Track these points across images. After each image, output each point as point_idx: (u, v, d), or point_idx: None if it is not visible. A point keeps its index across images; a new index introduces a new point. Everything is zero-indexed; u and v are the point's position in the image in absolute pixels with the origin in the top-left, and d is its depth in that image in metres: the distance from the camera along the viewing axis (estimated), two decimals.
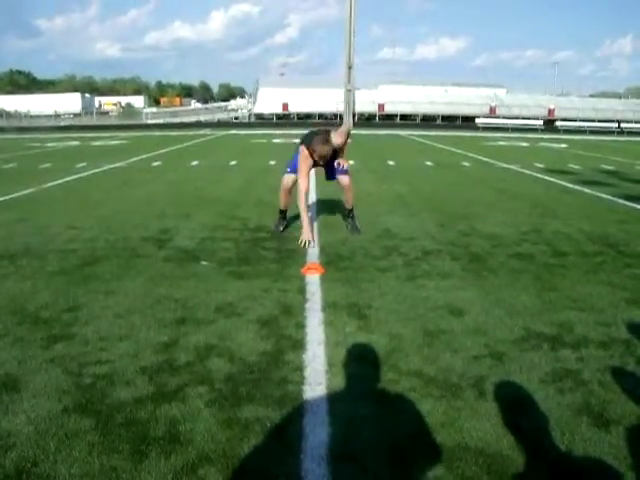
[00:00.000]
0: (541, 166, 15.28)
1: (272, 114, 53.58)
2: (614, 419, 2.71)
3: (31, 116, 59.67)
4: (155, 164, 15.01)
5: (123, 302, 4.18)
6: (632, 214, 8.26)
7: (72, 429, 2.58)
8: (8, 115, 61.55)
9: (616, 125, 46.52)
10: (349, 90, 43.46)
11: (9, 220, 7.34)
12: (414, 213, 7.71)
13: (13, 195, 9.59)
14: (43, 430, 2.57)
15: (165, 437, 2.52)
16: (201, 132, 33.82)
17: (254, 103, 55.72)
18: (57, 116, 62.21)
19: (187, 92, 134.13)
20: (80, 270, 5.01)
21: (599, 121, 49.29)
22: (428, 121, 53.21)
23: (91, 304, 4.15)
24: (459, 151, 19.99)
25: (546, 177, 12.81)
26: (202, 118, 53.68)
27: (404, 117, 54.70)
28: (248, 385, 2.96)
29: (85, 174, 12.76)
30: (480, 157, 17.65)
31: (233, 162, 14.79)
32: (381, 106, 54.16)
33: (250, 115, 54.73)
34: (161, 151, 19.34)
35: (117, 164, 14.93)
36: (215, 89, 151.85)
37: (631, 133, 44.71)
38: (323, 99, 52.83)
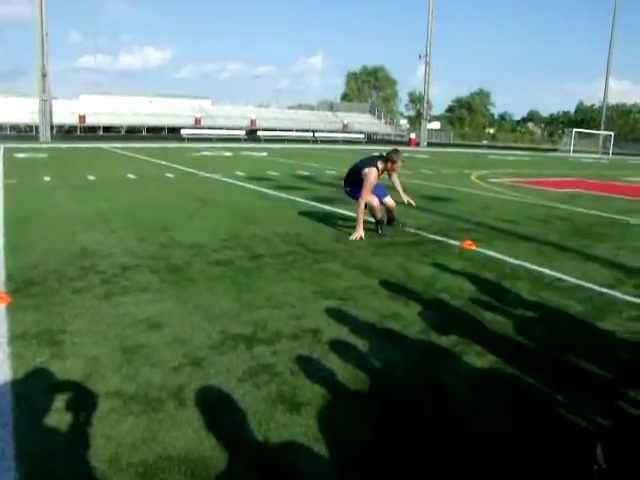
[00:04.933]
0: (242, 174, 16.00)
1: None
2: (305, 402, 2.98)
3: None
4: None
5: None
6: (321, 214, 9.10)
7: None
8: None
9: (311, 134, 50.82)
10: (44, 100, 40.38)
11: None
12: (114, 229, 7.46)
13: None
14: None
15: None
16: None
17: None
18: None
19: None
20: None
21: (296, 131, 53.37)
22: (133, 133, 52.12)
23: None
24: (163, 162, 19.94)
25: (246, 184, 13.46)
26: None
27: (107, 129, 52.79)
28: None
29: None
30: (184, 168, 17.83)
31: None
32: (82, 117, 51.49)
33: None
34: None
35: None
36: None
37: (323, 141, 49.30)
38: (15, 109, 48.40)
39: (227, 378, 3.23)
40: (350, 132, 59.18)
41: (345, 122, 63.67)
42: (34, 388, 3.09)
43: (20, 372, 3.26)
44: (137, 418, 2.80)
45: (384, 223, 7.66)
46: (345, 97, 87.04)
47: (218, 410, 2.91)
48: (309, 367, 3.41)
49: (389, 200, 7.68)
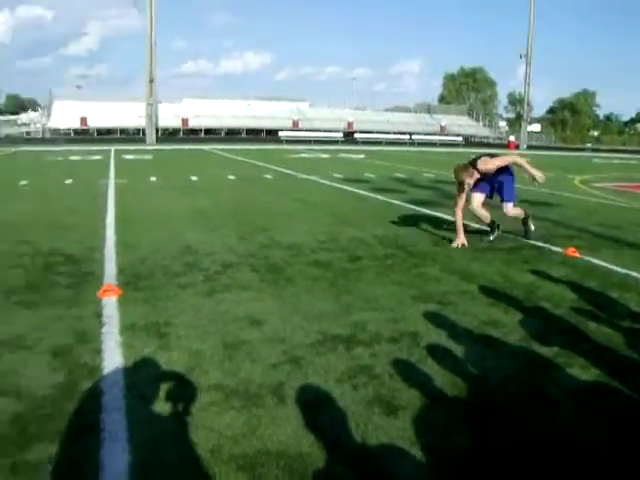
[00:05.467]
0: (340, 176, 16.11)
1: (69, 129, 50.49)
2: (402, 406, 2.95)
3: None
4: None
5: None
6: (418, 216, 9.02)
7: None
8: None
9: (408, 137, 50.49)
10: (151, 104, 42.41)
11: None
12: (215, 228, 7.73)
13: None
14: None
15: None
16: None
17: (48, 117, 52.14)
18: None
19: None
20: None
21: (393, 133, 53.21)
22: (233, 135, 53.66)
23: None
24: (262, 164, 20.41)
25: (344, 186, 13.54)
26: None
27: (209, 131, 54.64)
28: (38, 422, 2.75)
29: None
30: (282, 169, 18.17)
31: (23, 182, 13.67)
32: (185, 120, 53.60)
33: (44, 130, 51.09)
34: None
35: None
36: (1, 100, 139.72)
37: (420, 144, 48.86)
38: (125, 113, 51.01)
39: (325, 378, 3.26)
40: (447, 135, 58.30)
41: (442, 124, 62.76)
42: (143, 377, 3.25)
43: (130, 361, 3.43)
44: (238, 412, 2.87)
45: (496, 227, 7.37)
46: (442, 99, 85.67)
47: (316, 409, 2.94)
48: (407, 370, 3.38)
49: (509, 208, 7.31)
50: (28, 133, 50.56)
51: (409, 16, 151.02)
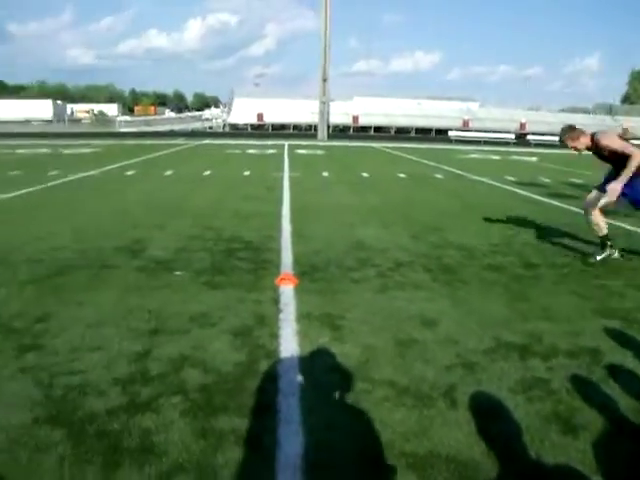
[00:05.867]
0: (512, 179, 15.52)
1: (247, 124, 53.58)
2: (582, 425, 2.78)
3: (0, 122, 58.79)
4: (129, 173, 14.90)
5: (95, 312, 4.15)
6: None
7: (43, 440, 2.56)
8: None
9: None
10: (324, 102, 43.70)
11: None
12: (387, 225, 7.79)
13: None
14: (14, 439, 2.55)
15: (138, 448, 2.51)
16: (175, 141, 33.63)
17: (229, 113, 55.69)
18: (27, 122, 61.46)
19: (161, 101, 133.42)
20: (50, 280, 4.96)
21: None
22: (402, 133, 53.72)
23: (62, 314, 4.11)
24: (432, 163, 20.21)
25: (517, 190, 13.01)
26: (176, 127, 53.47)
27: (378, 129, 55.17)
28: (222, 395, 2.97)
29: (57, 182, 12.61)
30: (452, 169, 17.87)
31: (207, 172, 14.75)
32: (355, 118, 54.58)
33: (224, 125, 54.68)
34: (135, 160, 19.21)
35: (90, 172, 14.79)
36: (189, 98, 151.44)
37: None
38: (298, 110, 53.05)
39: (498, 386, 3.15)
40: (634, 138, 53.87)
41: (625, 126, 58.06)
42: (318, 365, 3.36)
43: (305, 349, 3.56)
44: (409, 410, 2.87)
45: (608, 244, 6.15)
46: (627, 99, 79.26)
47: (489, 417, 2.86)
48: (587, 389, 3.18)
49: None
50: (211, 127, 54.36)
51: (586, 11, 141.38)
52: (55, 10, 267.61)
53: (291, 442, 2.58)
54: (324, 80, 43.47)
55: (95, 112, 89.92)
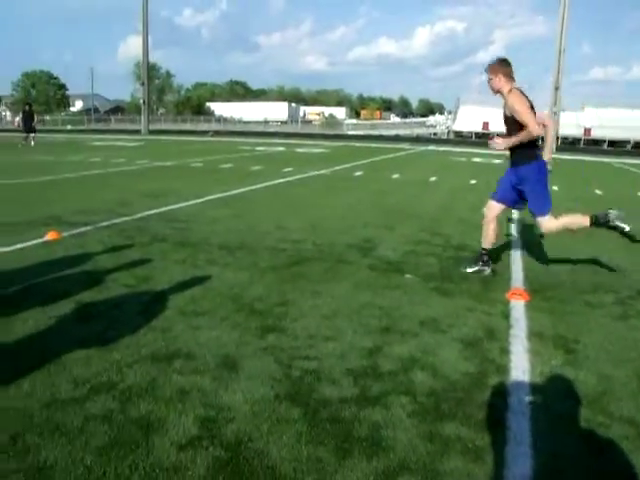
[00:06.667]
0: None
1: (471, 132, 52.67)
2: None
3: (244, 122, 64.67)
4: (357, 174, 15.48)
5: (329, 304, 4.40)
6: None
7: (283, 416, 2.77)
8: (225, 120, 67.50)
9: None
10: (555, 112, 41.36)
11: (226, 215, 8.06)
12: (630, 249, 7.12)
13: (230, 192, 10.48)
14: (257, 411, 2.80)
15: (368, 439, 2.60)
16: (399, 146, 34.21)
17: (453, 120, 55.22)
18: (266, 123, 66.78)
19: (387, 106, 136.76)
20: (289, 268, 5.35)
21: None
22: None
23: (300, 302, 4.42)
24: None
25: None
26: (400, 132, 54.38)
27: (613, 143, 50.83)
28: (450, 402, 2.96)
29: (292, 178, 13.55)
30: None
31: (433, 178, 14.79)
32: (587, 130, 50.86)
33: (449, 132, 54.37)
34: (362, 162, 19.91)
35: (321, 171, 15.64)
36: (414, 104, 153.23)
37: None
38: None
39: None
40: None
41: None
42: (549, 388, 3.21)
43: (537, 369, 3.42)
44: None
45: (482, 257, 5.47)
46: None
47: None
48: None
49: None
50: (435, 134, 54.38)
51: None
52: (297, 21, 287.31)
53: (519, 463, 2.49)
54: (556, 88, 41.14)
55: (325, 115, 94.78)
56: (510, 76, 5.11)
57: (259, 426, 2.67)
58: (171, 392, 2.95)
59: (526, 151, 5.05)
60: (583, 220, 5.25)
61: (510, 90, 5.03)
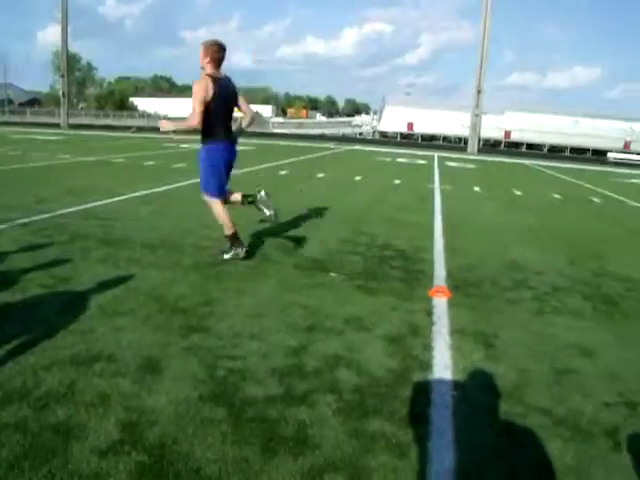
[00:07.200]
0: None
1: (396, 132, 53.60)
2: None
3: (169, 118, 63.24)
4: (282, 173, 15.45)
5: (254, 302, 4.38)
6: None
7: (207, 416, 2.74)
8: (149, 116, 66.00)
9: None
10: (477, 115, 42.64)
11: (149, 213, 7.89)
12: (543, 246, 7.45)
13: (154, 190, 10.27)
14: (181, 413, 2.76)
15: (294, 438, 2.61)
16: (325, 145, 34.38)
17: (379, 120, 56.02)
18: None
19: (313, 105, 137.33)
20: (213, 267, 5.29)
21: None
22: (555, 152, 51.24)
23: (224, 301, 4.38)
24: (588, 185, 19.08)
25: None
26: (327, 131, 54.66)
27: (530, 146, 53.00)
28: (375, 399, 3.01)
29: None
30: (611, 194, 16.76)
31: (358, 177, 14.93)
32: (507, 133, 52.79)
33: (374, 132, 55.11)
34: (288, 160, 19.88)
35: (249, 169, 15.49)
36: (341, 104, 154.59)
37: None
38: (449, 121, 52.20)
39: None
40: None
41: None
42: (470, 382, 3.32)
43: (459, 364, 3.53)
44: (566, 443, 2.75)
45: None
46: None
47: None
48: None
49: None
50: (361, 134, 55.01)
51: None
52: (224, 17, 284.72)
53: (443, 457, 2.57)
54: (478, 92, 42.37)
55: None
56: (216, 62, 5.24)
57: (183, 428, 2.63)
58: (91, 396, 2.85)
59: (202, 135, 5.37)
60: (237, 196, 5.67)
61: (206, 75, 5.17)
